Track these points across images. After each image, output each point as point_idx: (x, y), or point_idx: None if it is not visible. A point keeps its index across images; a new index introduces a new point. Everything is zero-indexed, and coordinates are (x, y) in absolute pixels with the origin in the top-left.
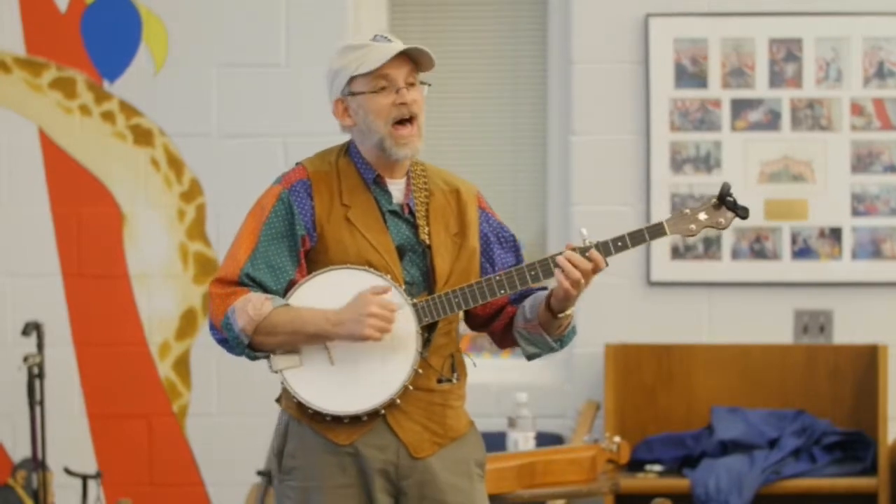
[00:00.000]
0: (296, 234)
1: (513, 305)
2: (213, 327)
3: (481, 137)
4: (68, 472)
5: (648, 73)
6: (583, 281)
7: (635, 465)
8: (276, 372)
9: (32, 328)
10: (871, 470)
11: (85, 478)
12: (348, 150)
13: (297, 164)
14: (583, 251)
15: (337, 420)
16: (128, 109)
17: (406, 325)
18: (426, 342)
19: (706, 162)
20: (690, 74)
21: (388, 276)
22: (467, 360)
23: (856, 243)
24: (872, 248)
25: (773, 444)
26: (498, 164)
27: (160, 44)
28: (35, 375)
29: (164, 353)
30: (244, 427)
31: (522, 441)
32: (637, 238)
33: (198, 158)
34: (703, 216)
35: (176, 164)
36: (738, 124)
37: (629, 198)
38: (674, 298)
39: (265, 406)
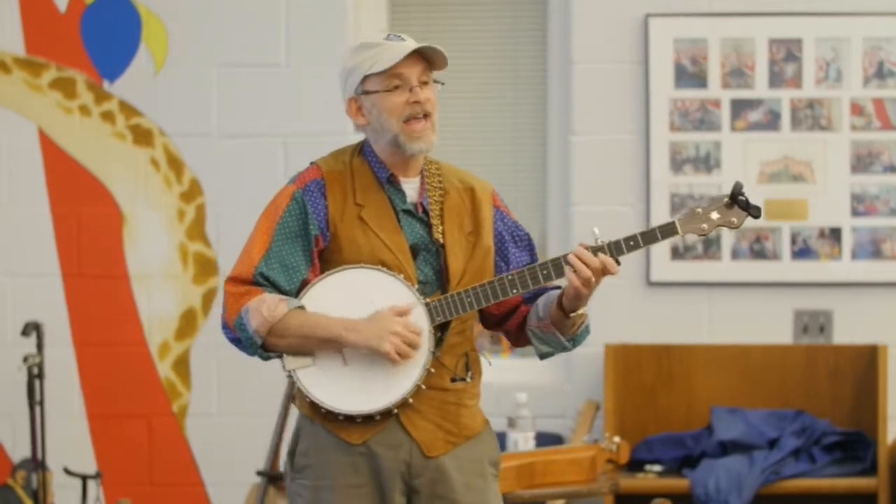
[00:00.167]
0: (309, 234)
1: (526, 304)
2: (225, 326)
3: (481, 137)
4: (68, 472)
5: (648, 74)
6: (593, 280)
7: (635, 466)
8: (289, 371)
9: (32, 328)
10: (871, 470)
11: (85, 478)
12: (362, 149)
13: (311, 163)
14: (595, 250)
15: (350, 419)
16: (127, 109)
17: (419, 324)
18: (439, 341)
19: (706, 162)
20: (690, 74)
21: (402, 276)
22: (483, 359)
23: (855, 243)
24: (872, 249)
25: (772, 444)
26: (498, 164)
27: (160, 44)
28: (35, 375)
29: (163, 353)
30: (244, 427)
31: (522, 441)
32: (649, 237)
33: (198, 158)
34: (715, 215)
35: (176, 164)
36: (737, 124)
37: (629, 198)
38: (674, 298)
39: (265, 406)
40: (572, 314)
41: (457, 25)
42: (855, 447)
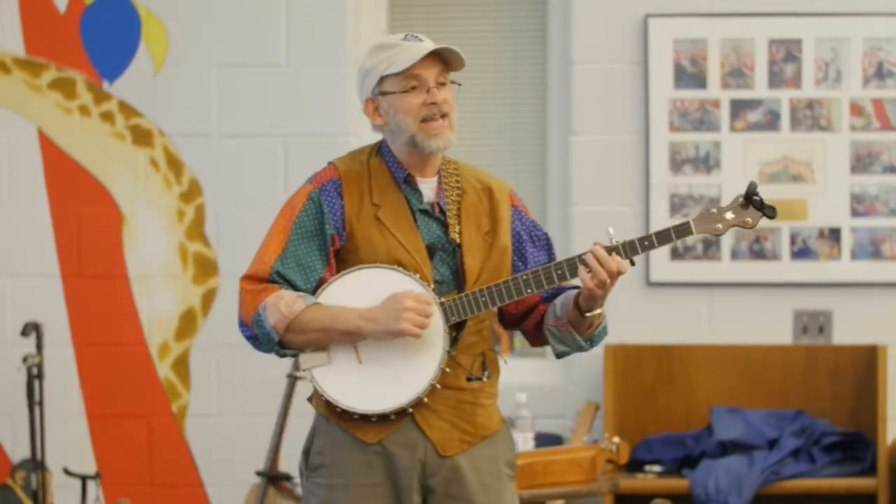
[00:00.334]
0: (325, 234)
1: (544, 304)
2: (242, 324)
3: (481, 137)
4: (67, 472)
5: (648, 74)
6: (609, 281)
7: (635, 466)
8: (304, 370)
9: (32, 328)
10: (871, 470)
11: (84, 478)
12: (380, 149)
13: (328, 163)
14: (609, 250)
15: (365, 418)
16: (127, 110)
17: (434, 323)
18: (454, 341)
19: (706, 162)
20: (690, 75)
21: (417, 276)
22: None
23: (855, 244)
24: (872, 249)
25: (772, 444)
26: (498, 164)
27: (160, 44)
28: (34, 376)
29: (163, 353)
30: (243, 427)
31: (522, 441)
32: (664, 237)
33: (197, 159)
34: (729, 215)
35: (175, 164)
36: (737, 125)
37: (629, 198)
38: (673, 299)
39: (264, 406)
40: (588, 314)
41: (457, 25)
42: (855, 447)
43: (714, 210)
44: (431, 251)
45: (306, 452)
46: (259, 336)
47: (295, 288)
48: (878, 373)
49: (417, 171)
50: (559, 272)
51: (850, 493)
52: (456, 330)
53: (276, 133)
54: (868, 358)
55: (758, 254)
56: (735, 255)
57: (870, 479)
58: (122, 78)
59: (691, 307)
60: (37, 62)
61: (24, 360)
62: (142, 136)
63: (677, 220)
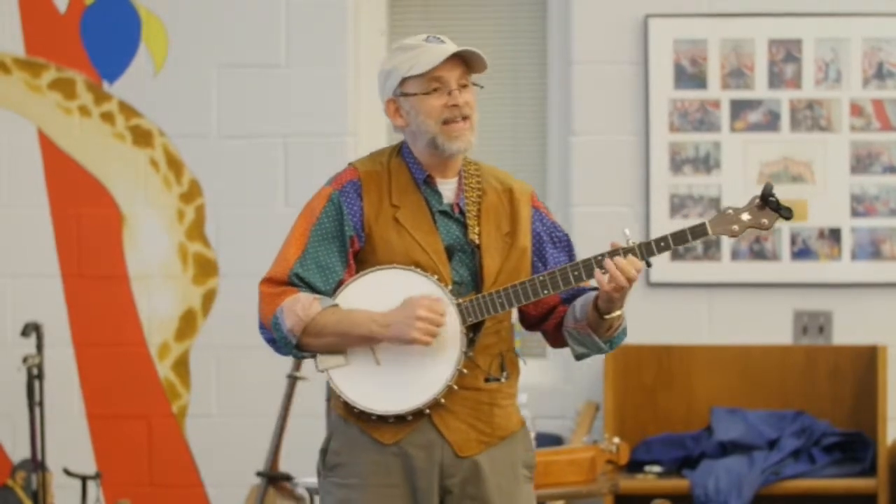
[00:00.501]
0: (345, 235)
1: (564, 305)
2: (262, 326)
3: (481, 137)
4: (68, 472)
5: (648, 74)
6: (625, 283)
7: (634, 466)
8: (322, 371)
9: (32, 329)
10: (871, 471)
11: (84, 479)
12: (401, 150)
13: (349, 164)
14: (625, 251)
15: (382, 419)
16: (127, 110)
17: (450, 325)
18: (471, 342)
19: (706, 163)
20: (690, 75)
21: (435, 277)
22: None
23: (855, 244)
24: (872, 249)
25: (772, 444)
26: (498, 164)
27: (160, 44)
28: (34, 376)
29: (163, 353)
30: (244, 428)
31: None
32: (680, 238)
33: (197, 159)
34: (746, 217)
35: (175, 164)
36: (737, 125)
37: (628, 198)
38: (674, 299)
39: (265, 407)
40: (607, 316)
41: (457, 25)
42: (854, 448)
43: (730, 211)
44: (450, 252)
45: (324, 452)
46: (277, 339)
47: (314, 290)
48: (878, 373)
49: (438, 173)
50: (576, 273)
51: (849, 493)
52: (473, 331)
53: (276, 133)
54: (868, 358)
55: (758, 254)
56: (735, 255)
57: (870, 480)
58: (122, 78)
59: (691, 307)
60: (37, 62)
61: (25, 360)
62: (142, 137)
63: (677, 221)
